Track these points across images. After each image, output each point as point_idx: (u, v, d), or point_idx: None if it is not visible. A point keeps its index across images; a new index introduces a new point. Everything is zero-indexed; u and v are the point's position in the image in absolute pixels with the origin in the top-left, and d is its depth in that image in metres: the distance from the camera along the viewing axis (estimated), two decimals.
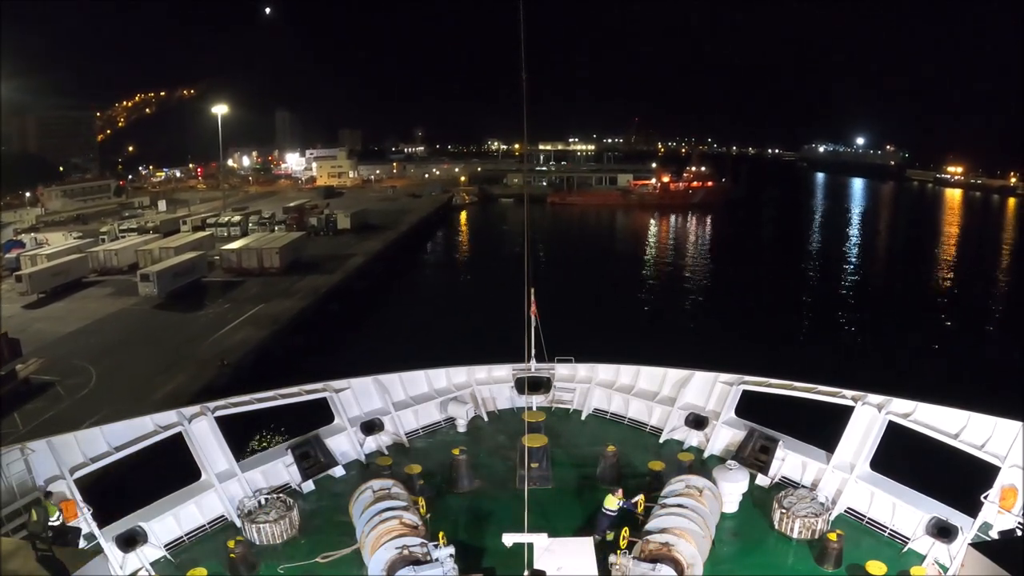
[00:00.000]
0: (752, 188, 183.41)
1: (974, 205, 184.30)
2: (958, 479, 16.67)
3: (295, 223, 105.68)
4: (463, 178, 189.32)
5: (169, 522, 17.56)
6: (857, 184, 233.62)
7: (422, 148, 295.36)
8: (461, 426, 23.03)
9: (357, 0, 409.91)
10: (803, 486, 18.75)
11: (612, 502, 16.75)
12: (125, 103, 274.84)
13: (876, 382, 19.49)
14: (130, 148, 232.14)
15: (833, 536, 16.02)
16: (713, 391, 22.04)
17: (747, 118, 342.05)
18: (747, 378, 21.35)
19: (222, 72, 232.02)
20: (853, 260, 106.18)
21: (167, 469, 19.10)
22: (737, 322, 65.43)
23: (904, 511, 16.92)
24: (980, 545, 13.71)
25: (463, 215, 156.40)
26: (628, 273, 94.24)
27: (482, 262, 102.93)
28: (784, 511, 17.21)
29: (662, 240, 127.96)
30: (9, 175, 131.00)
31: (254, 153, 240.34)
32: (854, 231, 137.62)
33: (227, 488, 18.68)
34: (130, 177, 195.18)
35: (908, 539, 16.60)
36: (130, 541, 16.19)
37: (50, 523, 14.62)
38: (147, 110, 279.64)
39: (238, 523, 17.92)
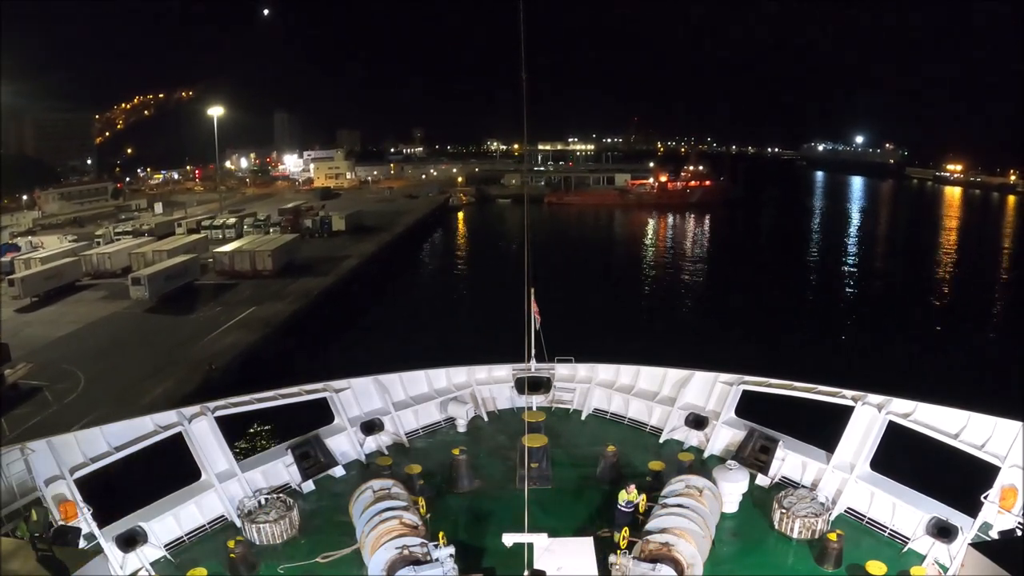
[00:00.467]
0: (751, 187, 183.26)
1: (974, 203, 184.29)
2: (958, 479, 16.68)
3: (290, 225, 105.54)
4: (460, 179, 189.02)
5: (169, 522, 17.55)
6: (856, 182, 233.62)
7: (421, 149, 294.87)
8: (461, 426, 23.02)
9: (357, 0, 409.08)
10: (803, 486, 18.74)
11: (625, 496, 16.83)
12: (124, 105, 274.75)
13: (876, 382, 19.47)
14: (128, 150, 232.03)
15: (833, 536, 16.01)
16: (713, 391, 22.03)
17: (746, 117, 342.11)
18: (747, 378, 21.33)
19: (221, 73, 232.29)
20: (853, 259, 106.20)
21: (167, 469, 19.08)
22: (737, 322, 65.46)
23: (904, 511, 16.91)
24: (980, 545, 13.69)
25: (460, 216, 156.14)
26: (627, 273, 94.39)
27: (479, 263, 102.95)
28: (784, 511, 17.20)
29: (660, 240, 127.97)
30: (6, 178, 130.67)
31: (252, 155, 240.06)
32: (853, 230, 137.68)
33: (227, 488, 18.67)
34: (128, 179, 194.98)
35: (908, 539, 16.59)
36: (130, 541, 16.17)
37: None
38: (146, 112, 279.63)
39: (238, 523, 17.91)
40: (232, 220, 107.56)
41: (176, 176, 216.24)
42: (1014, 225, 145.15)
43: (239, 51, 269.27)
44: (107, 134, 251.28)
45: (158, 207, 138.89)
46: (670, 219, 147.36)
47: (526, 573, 14.02)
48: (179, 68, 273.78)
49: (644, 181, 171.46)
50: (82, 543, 15.34)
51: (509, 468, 20.42)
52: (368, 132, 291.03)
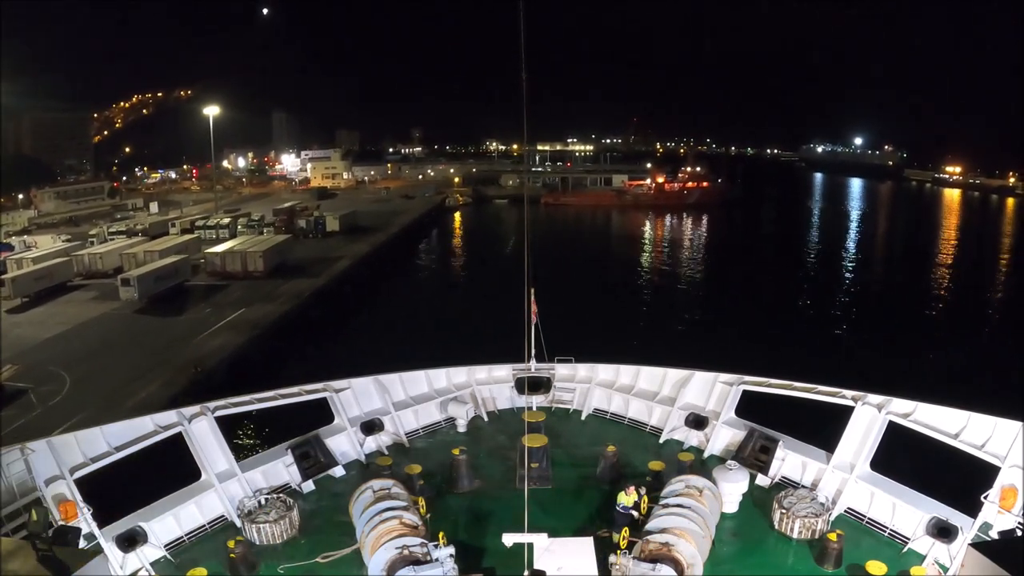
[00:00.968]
0: (749, 188, 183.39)
1: (972, 205, 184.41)
2: (958, 479, 16.68)
3: (284, 225, 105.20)
4: (457, 179, 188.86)
5: (169, 522, 17.54)
6: (855, 184, 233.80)
7: (419, 149, 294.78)
8: (461, 426, 23.01)
9: (357, 0, 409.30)
10: (803, 486, 18.75)
11: (624, 499, 16.82)
12: (123, 104, 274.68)
13: (876, 382, 19.51)
14: (127, 149, 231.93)
15: (833, 536, 16.01)
16: (713, 391, 22.04)
17: (746, 118, 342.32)
18: (747, 378, 21.33)
19: (220, 73, 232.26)
20: (852, 260, 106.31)
21: (167, 469, 19.06)
22: (737, 322, 65.52)
23: (904, 511, 16.92)
24: (980, 545, 13.69)
25: (457, 216, 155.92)
26: (625, 273, 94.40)
27: (476, 263, 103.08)
28: (784, 511, 17.20)
29: (657, 241, 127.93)
30: (3, 177, 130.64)
31: (250, 154, 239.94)
32: (852, 231, 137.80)
33: (227, 488, 18.65)
34: (124, 179, 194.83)
35: (908, 539, 16.60)
36: (130, 541, 16.16)
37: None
38: (144, 111, 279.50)
39: (238, 523, 17.90)
40: (226, 220, 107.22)
41: (173, 175, 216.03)
42: (1013, 227, 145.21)
43: (239, 51, 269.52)
44: (105, 133, 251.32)
45: (153, 206, 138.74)
46: (667, 220, 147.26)
47: (526, 573, 14.02)
48: (178, 67, 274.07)
49: (641, 182, 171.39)
50: (82, 543, 15.31)
51: (509, 468, 20.41)
52: (367, 132, 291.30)
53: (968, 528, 15.71)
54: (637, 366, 23.99)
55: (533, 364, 23.00)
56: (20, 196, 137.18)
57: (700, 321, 69.57)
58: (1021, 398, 26.07)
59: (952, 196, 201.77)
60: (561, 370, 24.23)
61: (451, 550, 14.90)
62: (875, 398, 18.64)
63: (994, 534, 15.37)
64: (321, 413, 21.67)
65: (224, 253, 77.54)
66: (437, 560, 14.67)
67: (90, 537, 15.92)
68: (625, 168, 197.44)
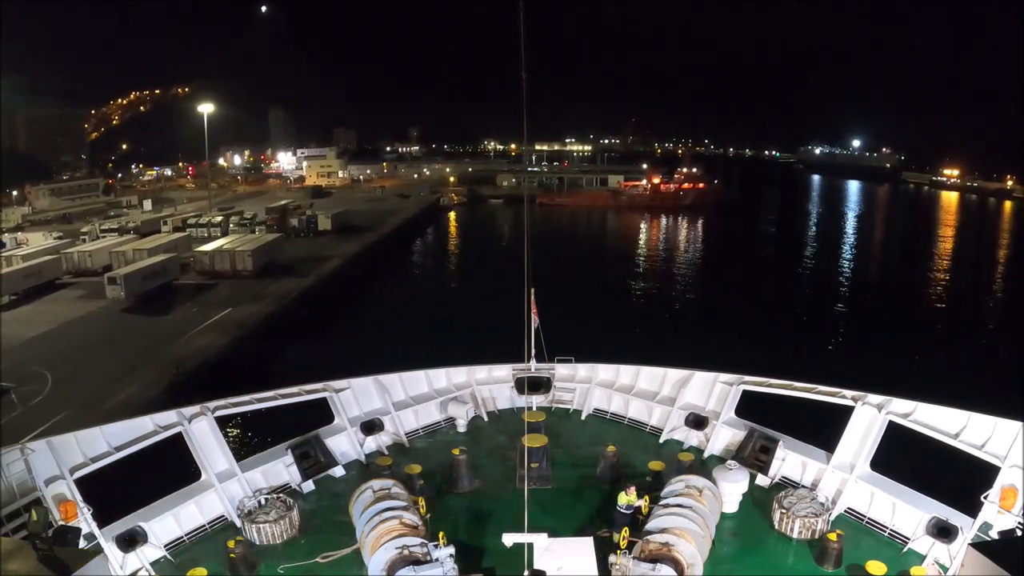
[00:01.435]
0: (746, 190, 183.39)
1: (970, 208, 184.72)
2: (958, 479, 16.70)
3: (275, 224, 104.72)
4: (452, 178, 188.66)
5: (169, 522, 17.52)
6: (853, 186, 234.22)
7: (417, 148, 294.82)
8: (461, 426, 23.01)
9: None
10: (803, 486, 18.76)
11: (624, 499, 16.79)
12: (120, 101, 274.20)
13: (876, 382, 19.50)
14: (123, 146, 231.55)
15: (833, 536, 16.02)
16: (713, 391, 22.05)
17: (744, 119, 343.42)
18: (747, 378, 21.34)
19: (218, 71, 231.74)
20: (851, 261, 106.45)
21: (167, 469, 19.06)
22: (737, 322, 65.56)
23: (904, 511, 16.93)
24: (980, 545, 13.70)
25: (452, 216, 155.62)
26: (623, 274, 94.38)
27: (469, 263, 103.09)
28: (784, 511, 17.21)
29: (654, 242, 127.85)
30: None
31: (246, 152, 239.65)
32: (850, 233, 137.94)
33: (227, 488, 18.63)
34: (120, 176, 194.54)
35: (908, 539, 16.61)
36: (130, 541, 16.14)
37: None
38: (142, 108, 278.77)
39: (238, 523, 17.89)
40: (218, 218, 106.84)
41: (169, 173, 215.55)
42: (1011, 230, 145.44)
43: (237, 49, 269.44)
44: (102, 130, 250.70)
45: (147, 204, 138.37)
46: (663, 221, 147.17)
47: (526, 573, 14.02)
48: (176, 65, 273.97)
49: (637, 183, 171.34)
50: (82, 543, 15.29)
51: (509, 468, 20.40)
52: (366, 131, 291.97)
53: (968, 528, 15.72)
54: (637, 366, 23.99)
55: (533, 364, 22.98)
56: (15, 193, 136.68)
57: (700, 321, 69.60)
58: (1021, 398, 26.06)
59: (950, 199, 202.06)
60: (561, 370, 24.22)
61: (451, 550, 14.88)
62: (875, 398, 18.66)
63: (994, 534, 15.39)
64: (321, 413, 21.65)
65: (213, 252, 77.16)
66: (437, 560, 14.65)
67: (90, 537, 15.89)
68: (621, 169, 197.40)
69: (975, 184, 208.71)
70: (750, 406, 21.35)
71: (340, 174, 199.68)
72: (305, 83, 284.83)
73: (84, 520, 15.98)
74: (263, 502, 18.07)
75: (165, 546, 17.08)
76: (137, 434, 18.24)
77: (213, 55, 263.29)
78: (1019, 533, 14.89)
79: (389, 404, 22.50)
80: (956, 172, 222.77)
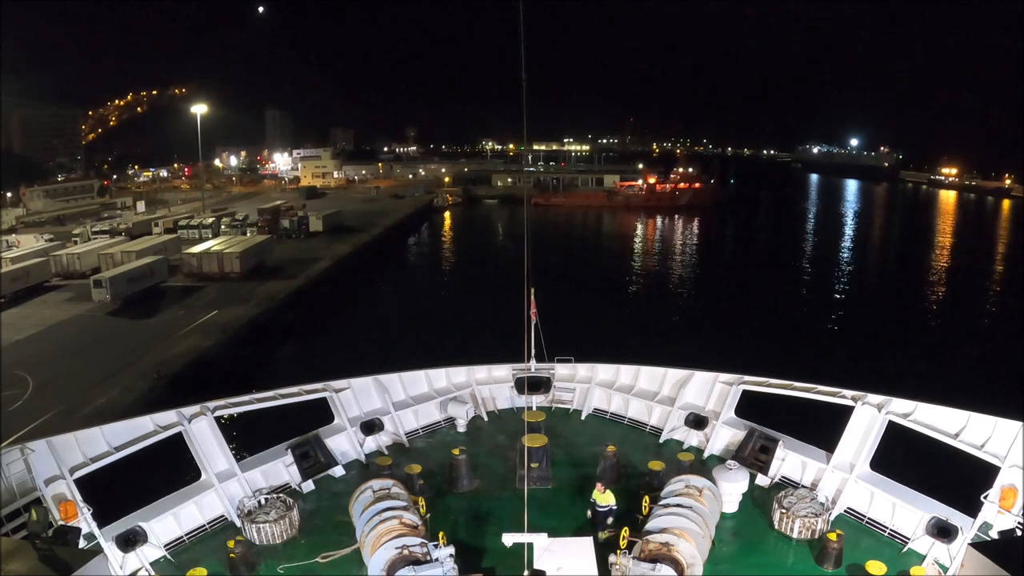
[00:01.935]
0: (743, 189, 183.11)
1: (968, 207, 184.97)
2: (958, 479, 16.72)
3: (267, 225, 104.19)
4: (447, 179, 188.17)
5: (169, 522, 17.52)
6: (851, 185, 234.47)
7: (415, 148, 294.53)
8: (461, 426, 23.01)
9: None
10: (803, 486, 18.76)
11: (601, 498, 16.82)
12: (118, 102, 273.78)
13: (876, 382, 19.53)
14: (119, 148, 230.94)
15: (833, 536, 16.03)
16: (713, 391, 22.06)
17: (742, 119, 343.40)
18: (747, 378, 21.34)
19: (216, 71, 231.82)
20: (850, 261, 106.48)
21: (167, 469, 19.04)
22: (737, 322, 65.56)
23: (904, 511, 16.95)
24: (980, 545, 13.71)
25: (446, 216, 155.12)
26: (621, 274, 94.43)
27: (462, 264, 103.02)
28: (784, 511, 17.22)
29: (649, 242, 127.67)
30: None
31: (242, 153, 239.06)
32: (849, 232, 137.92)
33: (227, 488, 18.63)
34: (115, 177, 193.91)
35: (908, 539, 16.63)
36: (130, 541, 16.14)
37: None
38: (139, 109, 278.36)
39: (238, 523, 17.88)
40: (209, 220, 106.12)
41: (165, 174, 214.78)
42: (1009, 229, 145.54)
43: (236, 49, 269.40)
44: (99, 131, 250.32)
45: (140, 205, 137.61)
46: (658, 221, 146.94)
47: (526, 573, 14.03)
48: (174, 66, 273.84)
49: (633, 183, 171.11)
50: (82, 543, 15.30)
51: (509, 468, 20.40)
52: (365, 131, 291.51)
53: (968, 528, 15.74)
54: (637, 366, 24.00)
55: (533, 364, 22.97)
56: (8, 194, 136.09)
57: (700, 321, 69.56)
58: (1021, 398, 26.10)
59: (948, 198, 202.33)
60: (561, 370, 24.22)
61: (451, 550, 14.87)
62: (875, 398, 18.67)
63: (994, 534, 15.41)
64: (321, 413, 21.65)
65: (200, 254, 76.47)
66: (437, 560, 14.64)
67: (90, 537, 15.90)
68: (617, 169, 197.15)
69: (973, 183, 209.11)
70: (750, 406, 21.36)
71: (335, 174, 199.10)
72: (303, 83, 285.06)
73: (84, 520, 15.98)
74: (263, 502, 18.06)
75: (165, 546, 17.07)
76: (137, 434, 18.23)
77: (211, 56, 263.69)
78: (1019, 533, 14.90)
79: (389, 404, 22.49)
80: (954, 171, 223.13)
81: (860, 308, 75.99)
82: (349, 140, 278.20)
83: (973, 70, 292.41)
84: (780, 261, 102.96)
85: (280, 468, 19.92)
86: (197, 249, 78.93)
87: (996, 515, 15.67)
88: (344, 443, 21.29)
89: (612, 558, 14.85)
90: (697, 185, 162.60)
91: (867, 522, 17.54)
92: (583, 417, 23.90)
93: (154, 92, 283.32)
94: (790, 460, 19.57)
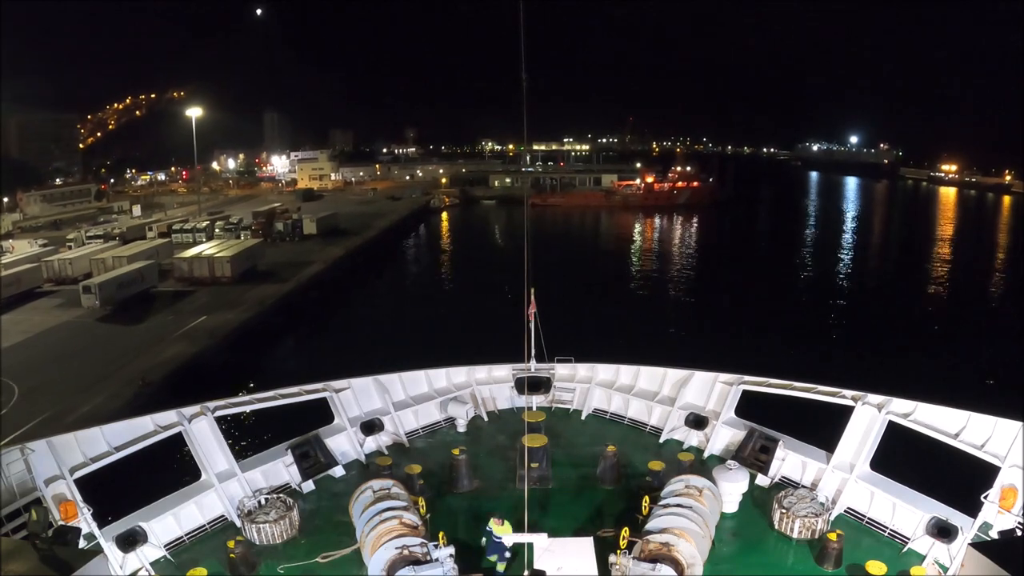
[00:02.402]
0: (742, 188, 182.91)
1: (969, 203, 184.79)
2: (958, 479, 16.72)
3: (261, 228, 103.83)
4: (444, 180, 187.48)
5: (169, 522, 17.53)
6: (851, 183, 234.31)
7: (414, 149, 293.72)
8: (461, 426, 23.01)
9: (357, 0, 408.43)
10: (803, 486, 18.77)
11: (497, 528, 15.58)
12: (116, 106, 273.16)
13: (876, 382, 19.52)
14: (117, 151, 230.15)
15: (833, 536, 16.04)
16: (713, 391, 22.05)
17: (742, 117, 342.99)
18: (747, 378, 21.34)
19: (214, 74, 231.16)
20: (850, 260, 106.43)
21: (167, 469, 19.05)
22: (737, 322, 65.51)
23: (904, 511, 16.95)
24: (980, 545, 13.71)
25: (444, 218, 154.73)
26: (619, 274, 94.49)
27: (458, 265, 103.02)
28: (784, 511, 17.23)
29: (647, 241, 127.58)
30: None
31: (240, 155, 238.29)
32: (849, 230, 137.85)
33: (227, 488, 18.64)
34: (112, 181, 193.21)
35: (908, 539, 16.63)
36: (130, 541, 16.15)
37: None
38: (137, 112, 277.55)
39: (238, 523, 17.89)
40: (203, 223, 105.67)
41: (163, 177, 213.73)
42: (1010, 225, 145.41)
43: (234, 51, 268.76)
44: (98, 134, 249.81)
45: (136, 209, 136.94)
46: (657, 221, 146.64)
47: (526, 573, 14.04)
48: (173, 69, 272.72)
49: (630, 182, 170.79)
50: (82, 543, 15.32)
51: (509, 468, 20.40)
52: (364, 132, 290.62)
53: (968, 528, 15.75)
54: (637, 366, 23.99)
55: (533, 364, 22.94)
56: (5, 199, 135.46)
57: (700, 321, 69.52)
58: (1021, 398, 26.10)
59: (948, 194, 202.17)
60: (561, 370, 24.21)
61: (451, 550, 14.88)
62: (875, 398, 18.66)
63: (994, 534, 15.42)
64: (321, 413, 21.65)
65: (191, 258, 76.11)
66: (437, 560, 14.65)
67: (90, 537, 15.91)
68: (614, 168, 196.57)
69: (974, 179, 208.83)
70: (750, 406, 21.36)
71: (333, 176, 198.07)
72: (302, 85, 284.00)
73: (84, 520, 16.00)
74: (263, 502, 18.07)
75: (165, 546, 17.08)
76: (137, 434, 18.24)
77: (210, 58, 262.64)
78: (1019, 533, 14.91)
79: (389, 404, 22.49)
80: (954, 167, 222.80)
81: (860, 308, 75.95)
82: (348, 142, 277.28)
83: (973, 66, 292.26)
84: (780, 260, 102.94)
85: (280, 468, 19.92)
86: (188, 254, 78.58)
87: (996, 515, 15.68)
88: (344, 443, 21.29)
89: (612, 558, 14.87)
90: (695, 184, 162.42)
91: (867, 522, 17.55)
92: (583, 417, 23.90)
93: (153, 95, 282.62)
94: (790, 460, 19.57)
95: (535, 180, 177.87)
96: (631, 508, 17.74)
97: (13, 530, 14.88)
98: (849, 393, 19.15)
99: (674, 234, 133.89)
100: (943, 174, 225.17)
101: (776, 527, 17.39)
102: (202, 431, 19.06)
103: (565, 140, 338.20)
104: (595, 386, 24.20)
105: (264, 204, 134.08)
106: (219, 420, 19.49)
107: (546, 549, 14.67)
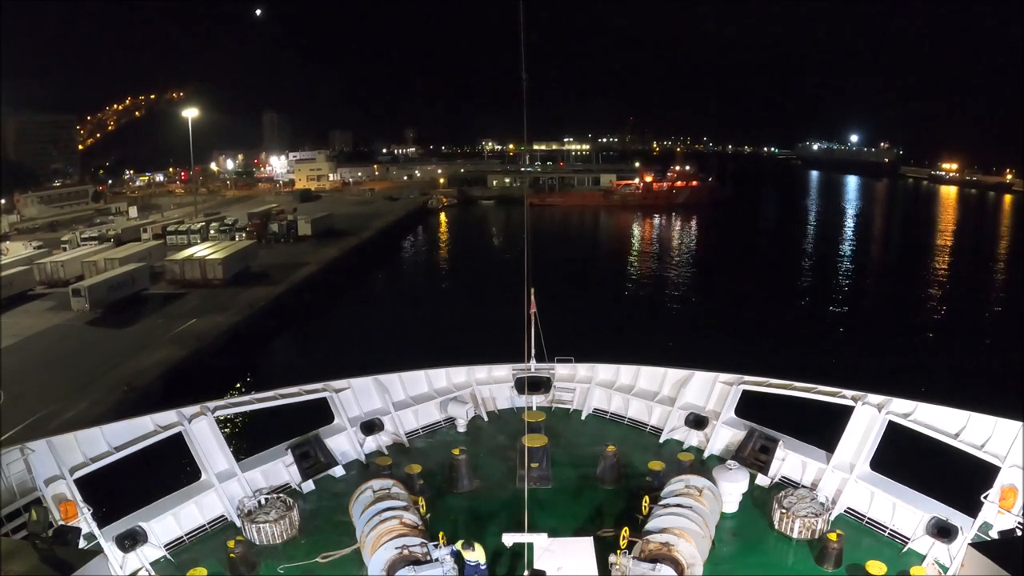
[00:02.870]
0: (742, 187, 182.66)
1: (969, 202, 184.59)
2: (958, 479, 16.71)
3: (256, 230, 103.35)
4: (442, 180, 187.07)
5: (169, 522, 17.53)
6: (851, 182, 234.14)
7: (413, 149, 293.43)
8: (461, 426, 23.00)
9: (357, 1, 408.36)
10: (803, 486, 18.76)
11: (468, 554, 14.85)
12: (116, 107, 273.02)
13: (876, 382, 19.51)
14: (115, 152, 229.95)
15: (833, 536, 16.04)
16: (713, 391, 22.05)
17: (742, 117, 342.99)
18: (747, 378, 21.33)
19: (213, 74, 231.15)
20: (850, 259, 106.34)
21: (167, 469, 19.03)
22: (737, 322, 65.48)
23: (904, 511, 16.94)
24: (980, 545, 13.71)
25: (442, 218, 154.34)
26: (618, 273, 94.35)
27: (456, 265, 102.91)
28: (784, 511, 17.22)
29: (646, 241, 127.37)
30: None
31: (239, 156, 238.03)
32: (849, 229, 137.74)
33: (227, 488, 18.64)
34: (110, 182, 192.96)
35: (908, 539, 16.63)
36: (130, 541, 16.16)
37: None
38: (136, 113, 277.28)
39: (238, 523, 17.90)
40: (198, 225, 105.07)
41: (160, 178, 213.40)
42: (1011, 224, 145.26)
43: (234, 51, 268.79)
44: (97, 136, 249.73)
45: (132, 211, 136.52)
46: (655, 220, 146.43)
47: (526, 573, 14.04)
48: (172, 69, 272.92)
49: (629, 181, 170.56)
50: (82, 543, 15.32)
51: (509, 468, 20.41)
52: (364, 133, 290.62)
53: (968, 528, 15.74)
54: (637, 366, 23.98)
55: (533, 364, 22.97)
56: (2, 201, 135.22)
57: (700, 321, 69.48)
58: (1021, 398, 26.08)
59: (949, 193, 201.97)
60: (561, 370, 24.21)
61: (451, 550, 14.88)
62: (875, 398, 18.66)
63: (994, 534, 15.41)
64: (321, 413, 21.65)
65: (183, 260, 75.49)
66: (437, 560, 14.66)
67: (90, 537, 15.92)
68: (613, 168, 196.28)
69: (974, 178, 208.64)
70: (750, 406, 21.35)
71: (331, 177, 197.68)
72: (302, 86, 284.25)
73: (84, 520, 16.00)
74: (263, 502, 18.07)
75: (165, 546, 17.09)
76: (137, 434, 18.24)
77: (210, 59, 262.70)
78: (1019, 533, 14.90)
79: (389, 404, 22.49)
80: (955, 166, 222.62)
81: (860, 307, 75.90)
82: (347, 142, 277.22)
83: (974, 65, 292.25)
84: (779, 259, 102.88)
85: (280, 468, 19.93)
86: (179, 255, 77.97)
87: (996, 515, 15.67)
88: (344, 443, 21.29)
89: (612, 558, 14.86)
90: (694, 183, 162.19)
91: (867, 522, 17.54)
92: (583, 417, 23.89)
93: (152, 96, 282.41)
94: (790, 460, 19.57)
95: (534, 180, 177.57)
96: (631, 508, 17.73)
97: (13, 530, 14.89)
98: (849, 393, 19.14)
99: (673, 234, 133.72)
100: (944, 173, 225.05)
101: (776, 527, 17.39)
102: (202, 431, 19.06)
103: (566, 140, 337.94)
104: (595, 386, 24.19)
105: (261, 205, 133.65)
106: (219, 420, 19.50)
107: (546, 549, 14.67)
